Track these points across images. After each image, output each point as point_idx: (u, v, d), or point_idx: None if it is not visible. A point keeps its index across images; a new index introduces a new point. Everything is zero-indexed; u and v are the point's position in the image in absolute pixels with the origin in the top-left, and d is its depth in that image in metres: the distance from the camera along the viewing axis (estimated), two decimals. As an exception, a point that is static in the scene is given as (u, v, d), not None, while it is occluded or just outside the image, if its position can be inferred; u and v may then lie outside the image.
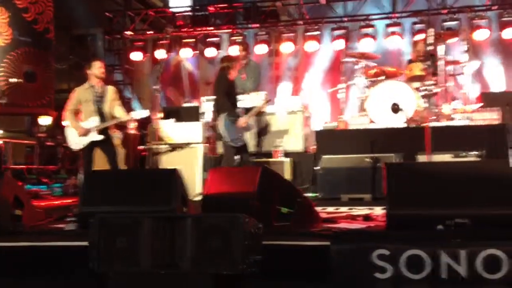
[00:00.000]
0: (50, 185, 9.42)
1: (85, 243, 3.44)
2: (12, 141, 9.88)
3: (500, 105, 7.60)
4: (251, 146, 8.12)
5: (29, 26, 10.95)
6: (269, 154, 7.96)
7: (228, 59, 7.20)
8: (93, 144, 6.67)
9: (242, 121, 6.80)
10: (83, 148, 6.69)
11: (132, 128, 8.88)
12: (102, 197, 4.41)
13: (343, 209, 5.98)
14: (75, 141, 6.68)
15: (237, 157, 7.23)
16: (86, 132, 6.59)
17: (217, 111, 6.94)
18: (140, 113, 6.94)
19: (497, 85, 12.44)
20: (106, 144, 6.71)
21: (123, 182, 4.59)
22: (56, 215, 5.38)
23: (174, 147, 8.07)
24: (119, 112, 6.77)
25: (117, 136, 8.06)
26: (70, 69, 13.94)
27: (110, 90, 6.85)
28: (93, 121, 6.63)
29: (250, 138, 8.11)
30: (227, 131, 6.74)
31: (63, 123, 6.79)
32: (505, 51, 12.37)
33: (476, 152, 6.81)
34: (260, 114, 7.97)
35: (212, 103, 8.42)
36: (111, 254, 3.33)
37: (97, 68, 6.73)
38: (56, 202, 7.61)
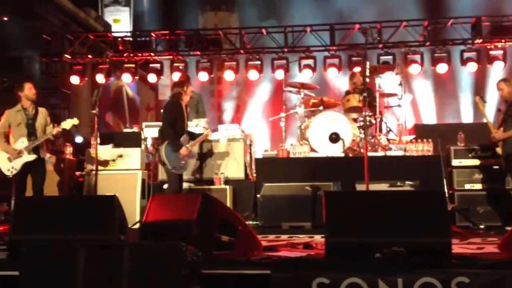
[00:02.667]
0: (-19, 212, 8.95)
1: (16, 273, 3.27)
2: None
3: (432, 137, 7.90)
4: (193, 173, 8.08)
5: (-39, 46, 10.54)
6: (210, 181, 7.91)
7: (179, 84, 7.17)
8: (26, 168, 6.45)
9: (184, 150, 6.73)
10: (16, 174, 6.46)
11: (68, 153, 8.61)
12: (35, 224, 4.23)
13: (284, 237, 6.00)
14: (7, 167, 6.45)
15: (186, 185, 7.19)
16: (17, 155, 6.37)
17: (161, 138, 6.88)
18: (70, 121, 6.74)
19: (429, 117, 13.01)
20: (36, 165, 6.51)
21: (58, 209, 4.43)
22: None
23: (113, 173, 7.88)
24: (49, 129, 6.63)
25: (51, 161, 7.81)
26: (3, 92, 13.44)
27: (42, 112, 6.73)
28: (22, 142, 6.45)
29: (192, 165, 8.07)
30: (168, 158, 6.68)
31: None
32: (437, 85, 12.99)
33: (411, 182, 7.04)
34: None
35: (152, 128, 8.33)
36: (42, 285, 3.18)
37: (28, 90, 6.63)
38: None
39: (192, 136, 7.06)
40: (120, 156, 7.93)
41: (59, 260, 3.23)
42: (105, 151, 7.98)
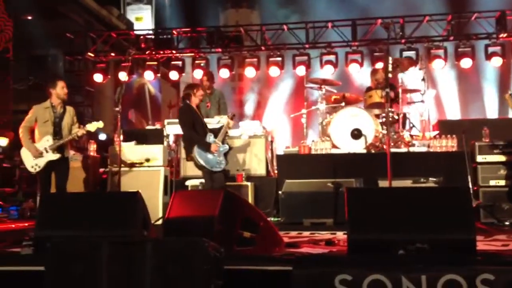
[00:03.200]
0: (6, 208, 9.13)
1: (41, 268, 3.32)
2: (-33, 163, 9.57)
3: (456, 133, 7.80)
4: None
5: (-13, 45, 10.74)
6: (232, 178, 7.94)
7: (188, 87, 7.24)
8: (50, 166, 6.50)
9: (214, 146, 6.79)
10: (39, 171, 6.51)
11: (92, 150, 8.72)
12: (60, 220, 4.28)
13: (306, 233, 5.98)
14: (31, 164, 6.51)
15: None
16: (39, 154, 6.43)
17: (189, 145, 6.92)
18: (95, 124, 6.77)
19: (453, 112, 12.84)
20: (60, 164, 6.55)
21: (82, 205, 4.48)
22: (11, 238, 5.21)
23: (136, 170, 7.95)
24: (75, 129, 6.66)
25: (75, 159, 7.90)
26: (28, 90, 13.67)
27: (69, 111, 6.74)
28: (47, 141, 6.48)
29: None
30: (205, 161, 6.74)
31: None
32: (461, 80, 12.81)
33: (435, 179, 6.96)
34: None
35: (174, 126, 8.38)
36: (67, 280, 3.22)
37: (60, 88, 6.60)
38: (12, 226, 7.38)
39: (214, 132, 7.07)
40: (148, 160, 7.98)
41: (83, 256, 3.27)
42: (128, 148, 8.05)
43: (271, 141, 8.83)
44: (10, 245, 4.88)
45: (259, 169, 8.17)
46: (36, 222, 4.45)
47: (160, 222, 6.07)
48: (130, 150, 8.08)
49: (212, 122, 7.67)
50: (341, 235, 5.40)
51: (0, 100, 10.83)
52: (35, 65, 15.14)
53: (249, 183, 7.85)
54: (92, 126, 6.73)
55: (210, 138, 6.89)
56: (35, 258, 4.01)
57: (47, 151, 6.47)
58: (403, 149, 7.92)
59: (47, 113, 6.57)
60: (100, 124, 6.79)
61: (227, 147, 7.12)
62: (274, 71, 11.17)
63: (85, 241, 3.40)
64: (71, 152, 7.23)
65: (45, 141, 6.50)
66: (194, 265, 3.16)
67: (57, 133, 6.55)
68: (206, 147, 6.78)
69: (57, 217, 4.33)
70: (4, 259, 4.16)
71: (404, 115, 8.40)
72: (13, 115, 11.05)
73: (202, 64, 11.31)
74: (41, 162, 6.48)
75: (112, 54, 11.92)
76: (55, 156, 6.48)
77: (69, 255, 3.29)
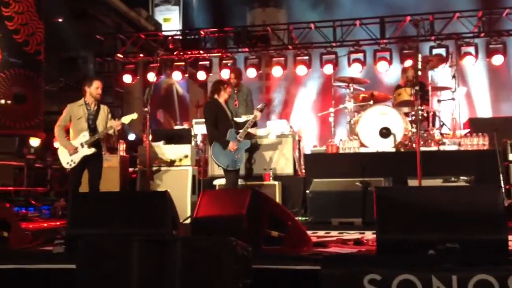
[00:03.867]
0: (39, 207, 9.31)
1: (73, 266, 3.38)
2: (0, 163, 9.78)
3: (488, 131, 7.66)
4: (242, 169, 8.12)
5: (20, 47, 10.97)
6: (259, 177, 7.94)
7: (218, 82, 7.24)
8: (84, 161, 6.55)
9: (232, 145, 6.78)
10: (74, 167, 6.53)
11: (121, 150, 8.83)
12: (90, 219, 4.35)
13: (334, 233, 5.95)
14: (67, 160, 6.55)
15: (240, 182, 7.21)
16: (75, 150, 6.50)
17: (209, 141, 6.97)
18: (130, 116, 6.79)
19: (485, 110, 12.60)
20: (94, 160, 6.58)
21: (112, 204, 4.54)
22: (44, 237, 5.31)
23: (164, 169, 8.02)
24: (110, 122, 6.71)
25: (106, 159, 7.99)
26: (60, 91, 13.94)
27: (104, 109, 6.77)
28: (84, 136, 6.55)
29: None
30: (218, 159, 6.76)
31: (55, 144, 6.70)
32: (492, 77, 12.56)
33: (466, 178, 6.85)
34: (250, 136, 7.97)
35: (202, 125, 8.44)
36: (98, 278, 3.27)
37: (95, 88, 6.63)
38: (44, 225, 7.53)
39: (239, 126, 7.04)
40: (186, 156, 8.01)
41: (114, 254, 3.31)
42: (157, 148, 8.12)
43: (299, 140, 8.80)
44: (42, 244, 4.97)
45: (286, 169, 8.15)
46: (68, 221, 4.53)
47: (188, 221, 6.12)
48: (158, 150, 8.16)
49: (239, 121, 7.67)
50: (369, 234, 5.36)
51: (32, 102, 11.04)
52: (66, 67, 15.43)
53: (276, 183, 7.83)
54: (126, 119, 6.76)
55: (231, 134, 6.88)
56: (67, 256, 4.08)
57: (82, 146, 6.53)
58: (433, 148, 7.81)
59: (81, 110, 6.61)
60: (134, 115, 6.80)
61: (248, 143, 7.05)
62: (301, 70, 11.14)
63: (116, 239, 3.45)
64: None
65: (82, 137, 6.53)
66: (222, 264, 3.18)
67: (91, 130, 6.59)
68: (224, 145, 6.77)
69: (88, 216, 4.39)
70: (36, 258, 4.24)
71: (434, 113, 8.29)
72: (45, 116, 11.27)
73: (229, 64, 11.36)
74: (76, 158, 6.51)
75: (141, 55, 12.08)
76: (90, 151, 6.51)
77: (100, 253, 3.34)
